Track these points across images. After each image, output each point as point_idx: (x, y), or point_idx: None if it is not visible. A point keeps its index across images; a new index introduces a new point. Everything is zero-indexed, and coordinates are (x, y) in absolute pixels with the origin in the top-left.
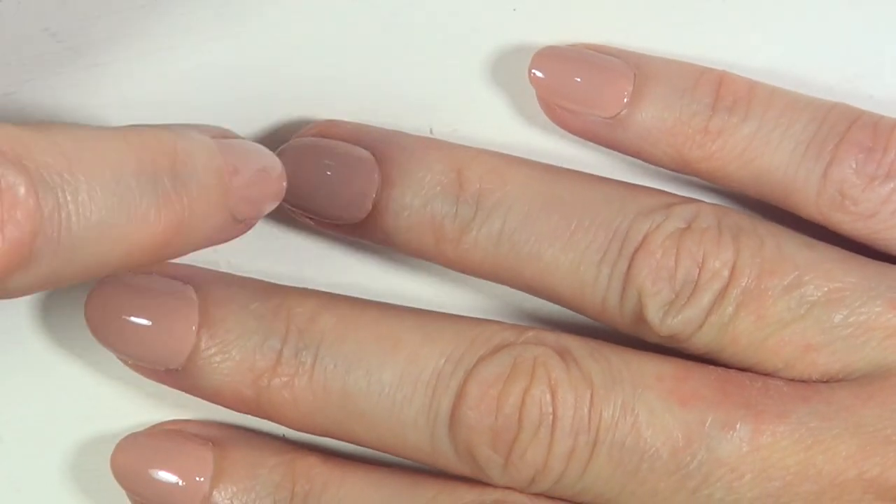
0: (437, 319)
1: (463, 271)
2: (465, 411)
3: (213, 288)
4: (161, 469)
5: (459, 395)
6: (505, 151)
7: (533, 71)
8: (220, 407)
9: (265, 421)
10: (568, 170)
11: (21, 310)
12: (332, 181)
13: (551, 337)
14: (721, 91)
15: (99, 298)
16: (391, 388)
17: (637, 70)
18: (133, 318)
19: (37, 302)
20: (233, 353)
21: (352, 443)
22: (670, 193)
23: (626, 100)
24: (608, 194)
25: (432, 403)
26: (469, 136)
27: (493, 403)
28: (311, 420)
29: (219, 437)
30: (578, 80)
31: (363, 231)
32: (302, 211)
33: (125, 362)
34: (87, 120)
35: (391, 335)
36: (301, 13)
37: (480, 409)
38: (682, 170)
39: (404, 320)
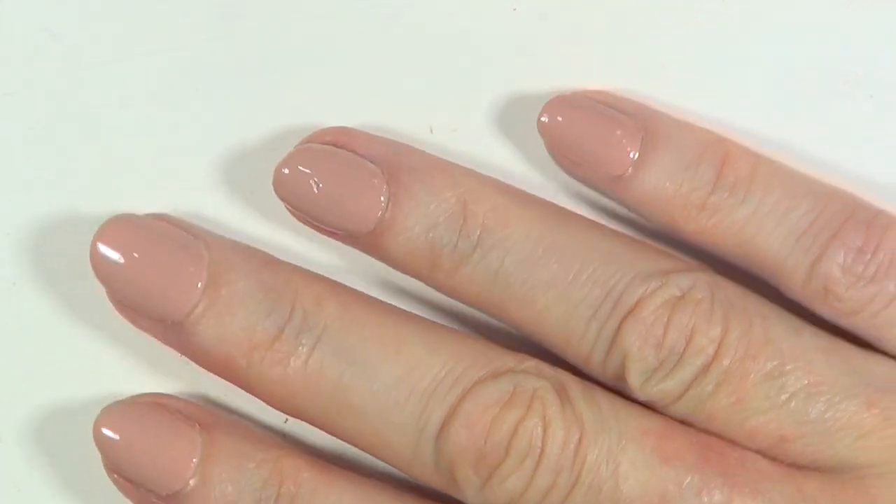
0: (442, 332)
1: (454, 299)
2: (457, 428)
3: (225, 250)
4: (150, 447)
5: (453, 411)
6: (505, 151)
7: (542, 118)
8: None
9: (248, 413)
10: (574, 216)
11: (21, 310)
12: (342, 192)
13: (550, 371)
14: (724, 169)
15: (111, 231)
16: (386, 389)
17: (645, 132)
18: (138, 258)
19: (37, 302)
20: (234, 318)
21: (330, 433)
22: (672, 257)
23: (631, 162)
24: (610, 250)
25: (424, 413)
26: (469, 137)
27: (485, 426)
28: (296, 403)
29: (207, 422)
30: (586, 136)
31: (361, 244)
32: (305, 215)
33: (118, 307)
34: (87, 120)
35: (395, 337)
36: (301, 13)
37: (472, 428)
38: (675, 236)
39: (410, 325)
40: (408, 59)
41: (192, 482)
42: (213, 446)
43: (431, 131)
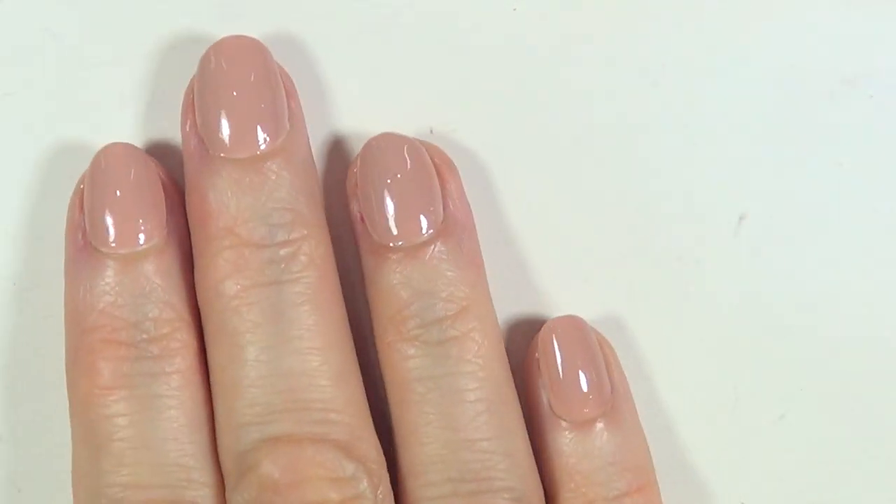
0: (357, 381)
1: (375, 353)
2: (284, 454)
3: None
4: (125, 198)
5: (298, 440)
6: (505, 151)
7: (553, 336)
8: None
9: None
10: (515, 408)
11: (21, 310)
12: (416, 198)
13: (388, 494)
14: (637, 493)
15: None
16: (274, 369)
17: (611, 407)
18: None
19: (37, 302)
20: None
21: (205, 347)
22: None
23: (584, 421)
24: (520, 450)
25: (274, 416)
26: (469, 137)
27: (305, 478)
28: (208, 308)
29: (171, 234)
30: (572, 376)
31: (370, 242)
32: (369, 186)
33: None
34: (87, 120)
35: (329, 341)
36: (301, 13)
37: (293, 470)
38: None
39: (345, 342)
40: (408, 59)
41: (112, 262)
42: (157, 254)
43: (431, 131)
